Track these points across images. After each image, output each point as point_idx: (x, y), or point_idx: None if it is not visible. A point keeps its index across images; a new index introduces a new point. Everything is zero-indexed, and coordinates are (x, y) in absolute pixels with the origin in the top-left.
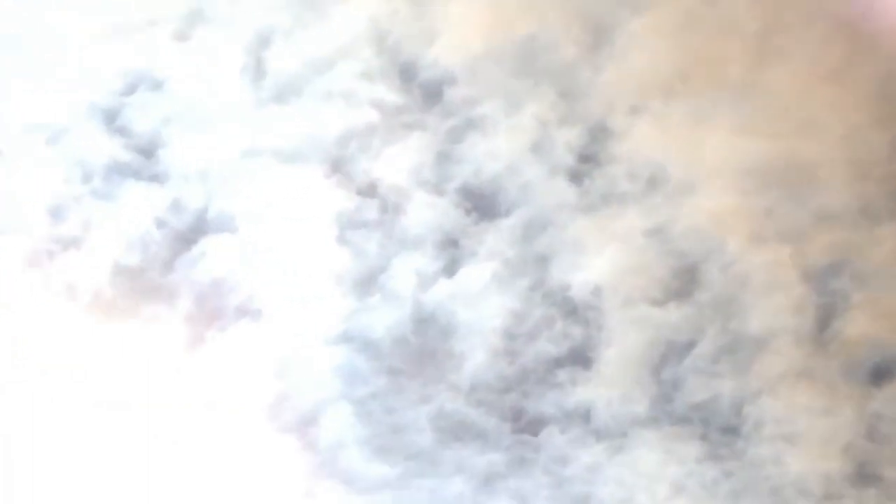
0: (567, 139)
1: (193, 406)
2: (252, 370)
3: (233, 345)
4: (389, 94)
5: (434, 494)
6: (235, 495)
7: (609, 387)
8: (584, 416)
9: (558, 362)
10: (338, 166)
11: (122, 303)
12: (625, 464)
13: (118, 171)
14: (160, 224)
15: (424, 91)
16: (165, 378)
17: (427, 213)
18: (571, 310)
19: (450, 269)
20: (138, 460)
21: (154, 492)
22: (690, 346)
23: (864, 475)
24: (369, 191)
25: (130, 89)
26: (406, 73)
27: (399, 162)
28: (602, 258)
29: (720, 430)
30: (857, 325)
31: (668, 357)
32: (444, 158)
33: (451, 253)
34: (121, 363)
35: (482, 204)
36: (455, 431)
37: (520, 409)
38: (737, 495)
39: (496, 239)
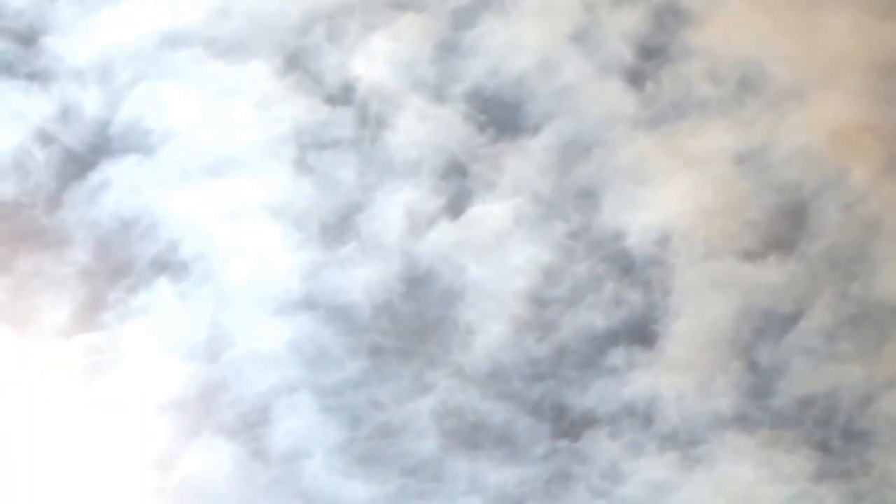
0: (622, 25)
1: (90, 400)
2: (174, 349)
3: (147, 313)
4: None
5: None
6: None
7: (680, 374)
8: (644, 414)
9: (609, 339)
10: (296, 61)
11: None
12: (705, 482)
13: None
14: (44, 140)
15: None
16: (50, 361)
17: (423, 127)
18: (627, 266)
19: (455, 208)
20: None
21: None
22: (796, 316)
23: None
24: (342, 96)
25: None
26: None
27: (384, 55)
28: (672, 193)
29: (840, 435)
30: None
31: (764, 332)
32: (447, 50)
33: (457, 184)
34: None
35: (501, 115)
36: (467, 436)
37: (555, 405)
38: None
39: (521, 165)
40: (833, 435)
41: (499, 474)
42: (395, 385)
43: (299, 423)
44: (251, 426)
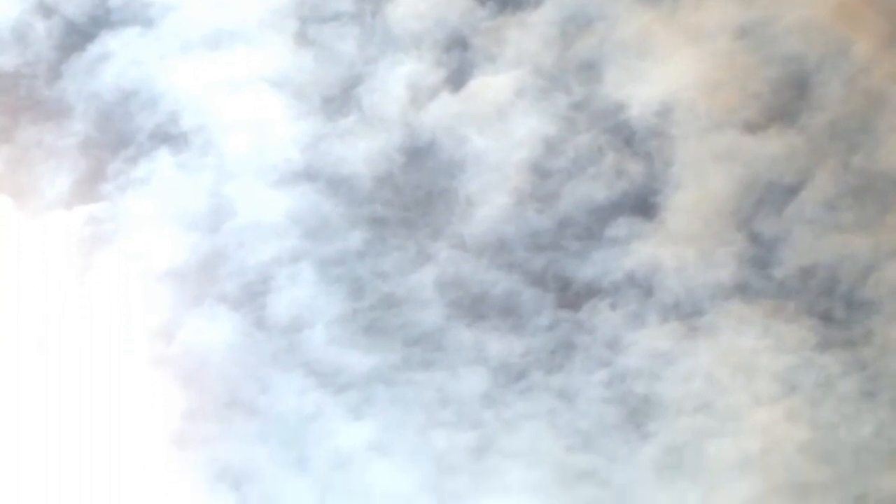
0: None
1: (91, 271)
2: (175, 219)
3: (147, 184)
4: None
5: (443, 392)
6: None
7: (681, 244)
8: (645, 285)
9: (610, 210)
10: None
11: None
12: (707, 352)
13: None
14: (44, 12)
15: None
16: (51, 232)
17: (424, 0)
18: (629, 137)
19: (456, 80)
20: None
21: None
22: (797, 188)
23: None
24: None
25: None
26: None
27: None
28: (674, 66)
29: (843, 305)
30: None
31: (765, 204)
32: None
33: (459, 56)
34: None
35: None
36: (471, 306)
37: (557, 276)
38: (870, 395)
39: (522, 38)
40: (836, 305)
41: (502, 344)
42: (397, 256)
43: (300, 294)
44: (252, 296)
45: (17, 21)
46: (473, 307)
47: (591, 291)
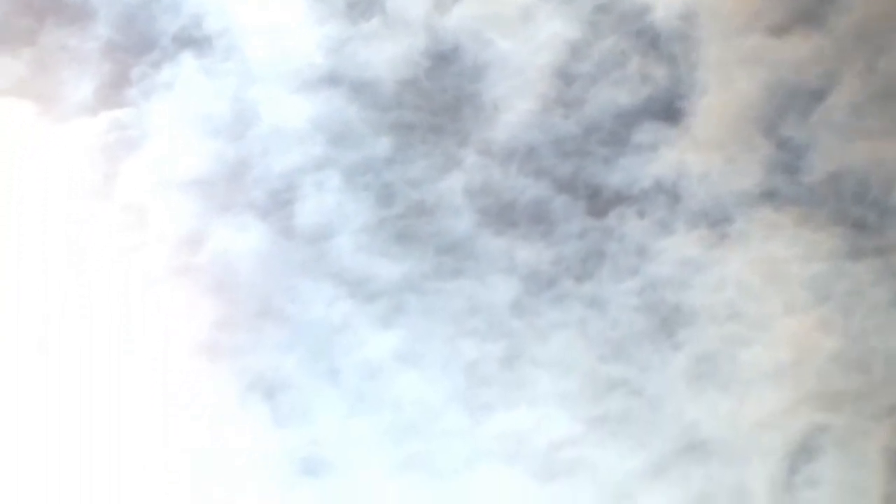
0: None
1: (116, 176)
2: (199, 125)
3: (171, 88)
4: None
5: (473, 301)
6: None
7: (707, 151)
8: (672, 192)
9: (635, 116)
10: None
11: (15, 25)
12: (736, 260)
13: None
14: None
15: None
16: (75, 137)
17: None
18: (652, 40)
19: None
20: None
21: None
22: (824, 92)
23: None
24: None
25: None
26: None
27: None
28: None
29: (873, 212)
30: None
31: (791, 108)
32: None
33: None
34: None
35: None
36: (500, 213)
37: (584, 183)
38: None
39: None
40: (866, 212)
41: (532, 252)
42: (424, 163)
43: (327, 201)
44: (278, 204)
45: None
46: (503, 214)
47: (619, 198)
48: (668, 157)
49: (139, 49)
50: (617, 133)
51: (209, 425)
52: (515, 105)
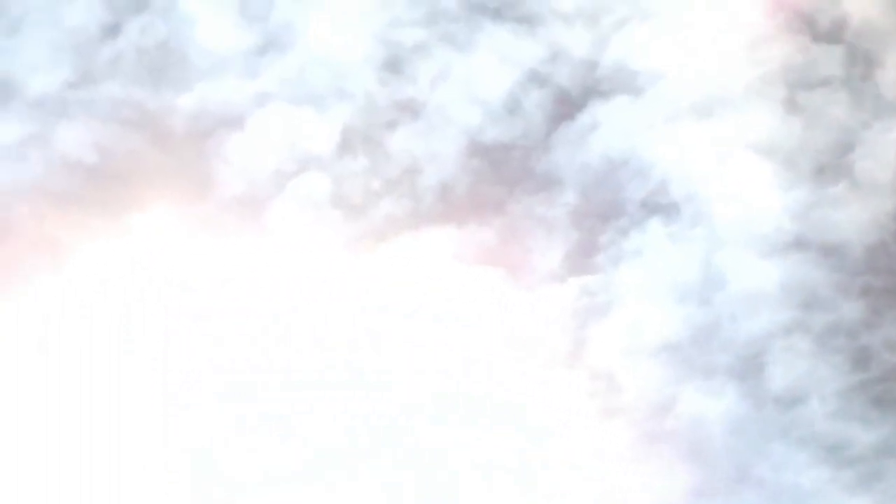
0: None
1: (584, 342)
2: (667, 291)
3: (639, 255)
4: None
5: None
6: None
7: None
8: None
9: None
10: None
11: (485, 194)
12: None
13: None
14: (534, 83)
15: None
16: (542, 304)
17: None
18: None
19: None
20: None
21: None
22: None
23: None
24: (831, 34)
25: None
26: None
27: None
28: None
29: None
30: None
31: None
32: None
33: None
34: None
35: None
36: None
37: None
38: None
39: None
40: None
41: None
42: (888, 330)
43: (798, 365)
44: (748, 368)
45: (509, 92)
46: None
47: None
48: None
49: (607, 215)
50: None
51: None
52: None
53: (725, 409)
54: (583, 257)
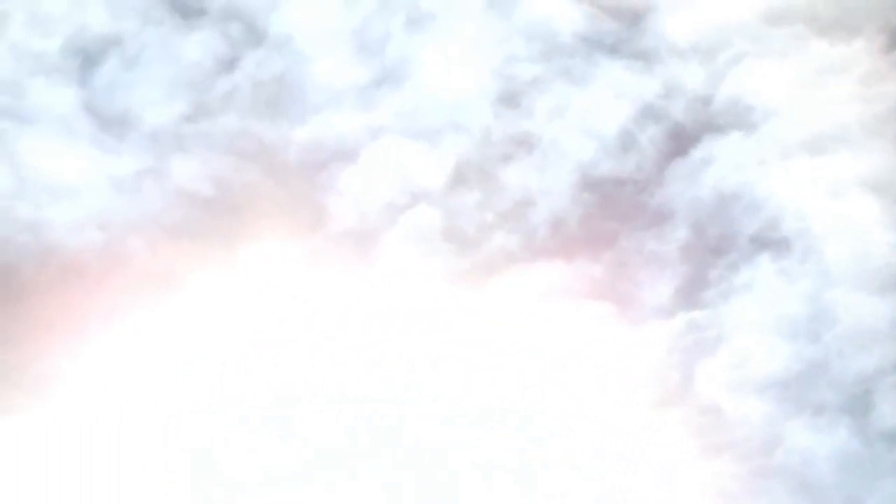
0: None
1: (695, 378)
2: (776, 327)
3: (749, 290)
4: None
5: None
6: None
7: None
8: None
9: None
10: None
11: (597, 229)
12: None
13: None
14: (648, 118)
15: None
16: (651, 339)
17: None
18: None
19: None
20: None
21: None
22: None
23: None
24: None
25: None
26: None
27: None
28: None
29: None
30: None
31: None
32: None
33: None
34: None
35: None
36: None
37: None
38: None
39: None
40: None
41: None
42: None
43: None
44: (856, 405)
45: (624, 127)
46: None
47: None
48: None
49: (716, 251)
50: None
51: None
52: None
53: (834, 446)
54: (692, 292)
